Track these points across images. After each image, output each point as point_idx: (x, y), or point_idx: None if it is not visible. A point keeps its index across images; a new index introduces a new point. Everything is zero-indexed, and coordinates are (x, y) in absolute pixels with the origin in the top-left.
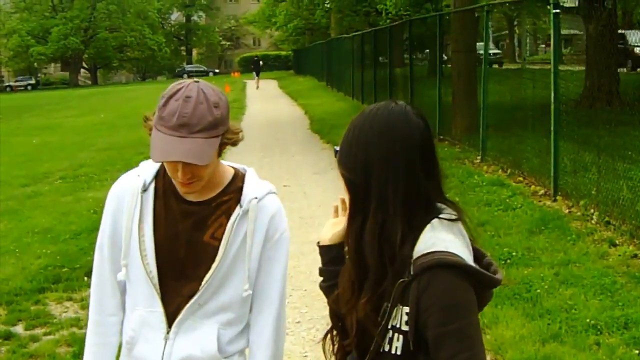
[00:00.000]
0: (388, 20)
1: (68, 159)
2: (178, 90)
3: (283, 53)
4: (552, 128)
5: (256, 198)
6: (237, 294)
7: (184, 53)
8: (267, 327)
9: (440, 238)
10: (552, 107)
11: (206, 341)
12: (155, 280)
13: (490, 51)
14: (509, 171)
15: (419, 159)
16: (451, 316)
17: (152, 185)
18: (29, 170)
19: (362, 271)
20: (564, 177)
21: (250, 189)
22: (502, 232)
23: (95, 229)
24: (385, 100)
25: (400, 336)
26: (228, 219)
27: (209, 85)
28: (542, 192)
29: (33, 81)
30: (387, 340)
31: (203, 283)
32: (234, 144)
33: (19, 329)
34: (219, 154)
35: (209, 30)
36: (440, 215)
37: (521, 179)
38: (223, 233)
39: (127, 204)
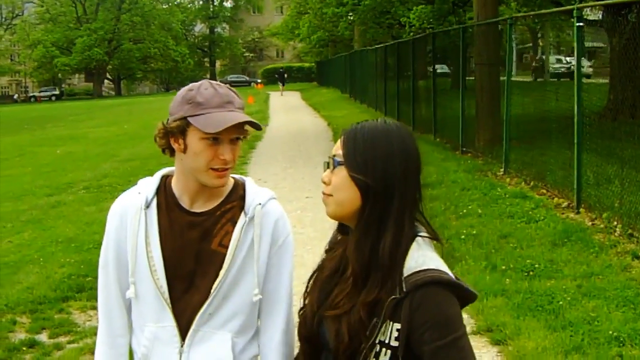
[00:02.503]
0: (411, 33)
1: (92, 169)
2: (200, 84)
3: (306, 65)
4: (575, 140)
5: (260, 204)
6: (247, 299)
7: (208, 64)
8: (277, 331)
9: (429, 256)
10: (576, 119)
11: (220, 351)
12: (167, 294)
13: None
14: (532, 183)
15: (419, 180)
16: (447, 330)
17: (155, 201)
18: (53, 181)
19: (364, 278)
20: (587, 190)
21: (253, 195)
22: (525, 244)
23: None
24: (377, 118)
25: (389, 351)
26: (234, 226)
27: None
28: (565, 204)
29: (57, 92)
30: (373, 353)
31: (213, 290)
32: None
33: (43, 337)
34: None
35: (232, 41)
36: (422, 234)
37: (544, 191)
38: (230, 240)
39: (130, 222)
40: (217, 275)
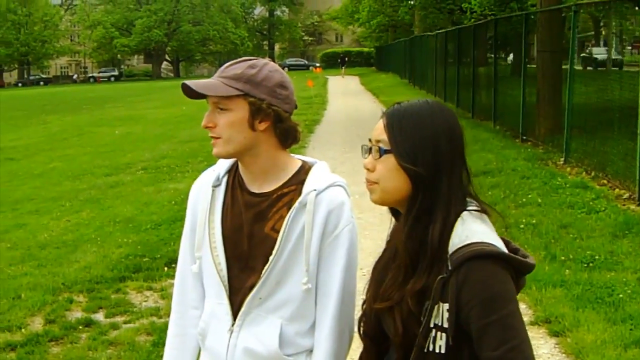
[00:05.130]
0: (472, 19)
1: (150, 150)
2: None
3: (365, 49)
4: (638, 131)
5: (315, 190)
6: (298, 288)
7: (266, 48)
8: (325, 324)
9: (473, 230)
10: (639, 109)
11: (267, 336)
12: (224, 272)
13: None
14: (593, 174)
15: (464, 155)
16: (493, 307)
17: (225, 179)
18: (112, 161)
19: (413, 266)
20: None
21: (312, 181)
22: (585, 235)
23: (176, 219)
24: (418, 98)
25: (443, 334)
26: (289, 211)
27: (276, 66)
28: (626, 195)
29: (116, 73)
30: (430, 339)
31: (262, 275)
32: (283, 135)
33: (99, 316)
34: (253, 123)
35: (291, 25)
36: (469, 208)
37: (605, 181)
38: (282, 225)
39: (202, 199)
40: (267, 259)
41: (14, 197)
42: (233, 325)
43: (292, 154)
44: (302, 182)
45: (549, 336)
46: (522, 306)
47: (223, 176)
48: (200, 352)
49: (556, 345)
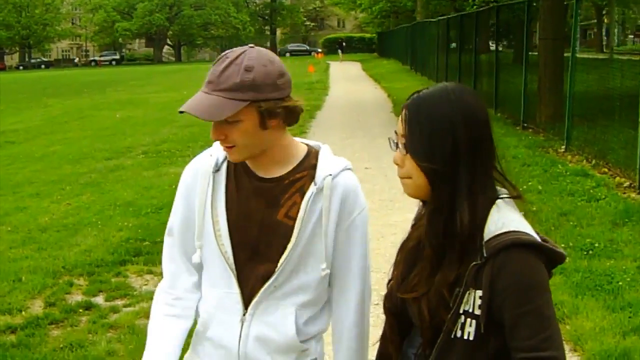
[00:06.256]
0: (475, 6)
1: (150, 134)
2: (230, 51)
3: (367, 35)
4: (639, 119)
5: (330, 175)
6: (315, 274)
7: (268, 33)
8: (350, 310)
9: (510, 218)
10: None
11: (283, 323)
12: (231, 260)
13: None
14: (593, 162)
15: (491, 138)
16: (528, 296)
17: (225, 165)
18: (112, 144)
19: (439, 259)
20: None
21: (325, 165)
22: (585, 222)
23: None
24: (440, 83)
25: (473, 321)
26: (302, 197)
27: (260, 51)
28: (627, 184)
29: (117, 56)
30: (458, 325)
31: (279, 265)
32: (289, 116)
33: (99, 299)
34: (265, 123)
35: (293, 10)
36: (502, 196)
37: (606, 170)
38: (297, 212)
39: (199, 185)
40: (282, 247)
41: (15, 180)
42: (244, 314)
43: (295, 137)
44: (313, 167)
45: None
46: None
47: (223, 161)
48: (195, 342)
49: None
